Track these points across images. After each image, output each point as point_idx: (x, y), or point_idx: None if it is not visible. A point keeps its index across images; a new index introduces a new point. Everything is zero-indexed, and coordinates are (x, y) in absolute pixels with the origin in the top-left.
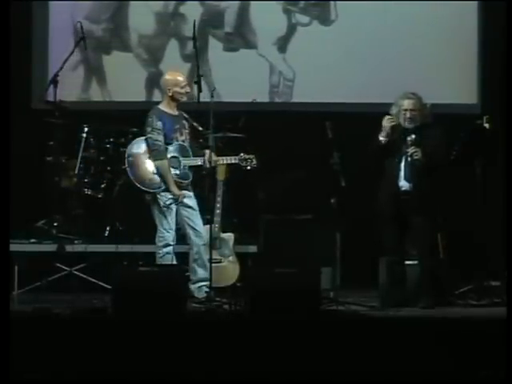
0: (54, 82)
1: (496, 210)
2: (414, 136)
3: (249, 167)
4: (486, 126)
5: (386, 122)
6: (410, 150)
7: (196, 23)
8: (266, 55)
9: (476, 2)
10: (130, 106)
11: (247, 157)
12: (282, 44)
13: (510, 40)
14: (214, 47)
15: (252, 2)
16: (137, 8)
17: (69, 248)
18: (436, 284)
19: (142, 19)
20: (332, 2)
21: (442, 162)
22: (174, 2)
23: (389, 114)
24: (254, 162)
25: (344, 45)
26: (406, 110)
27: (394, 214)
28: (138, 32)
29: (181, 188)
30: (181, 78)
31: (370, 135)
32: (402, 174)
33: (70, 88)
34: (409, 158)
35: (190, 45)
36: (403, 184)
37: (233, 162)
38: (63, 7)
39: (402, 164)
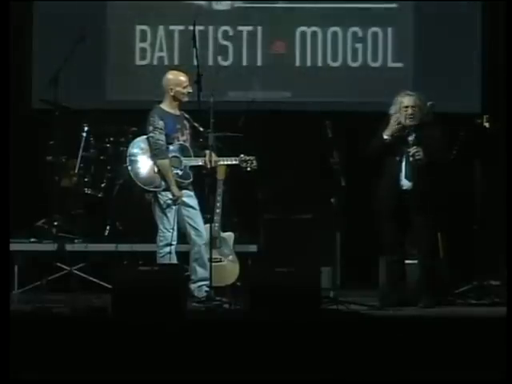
0: (54, 81)
1: (496, 209)
2: (414, 135)
3: (249, 168)
4: (486, 125)
5: (394, 121)
6: (412, 150)
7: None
8: None
9: (479, 2)
10: (130, 105)
11: (247, 158)
12: None
13: (510, 40)
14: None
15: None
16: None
17: (69, 247)
18: (436, 283)
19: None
20: None
21: (443, 161)
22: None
23: (388, 114)
24: (255, 163)
25: (346, 44)
26: (406, 106)
27: (395, 213)
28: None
29: (181, 188)
30: (183, 78)
31: (371, 134)
32: (403, 173)
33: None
34: (410, 158)
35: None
36: (404, 183)
37: (233, 163)
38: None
39: (403, 163)
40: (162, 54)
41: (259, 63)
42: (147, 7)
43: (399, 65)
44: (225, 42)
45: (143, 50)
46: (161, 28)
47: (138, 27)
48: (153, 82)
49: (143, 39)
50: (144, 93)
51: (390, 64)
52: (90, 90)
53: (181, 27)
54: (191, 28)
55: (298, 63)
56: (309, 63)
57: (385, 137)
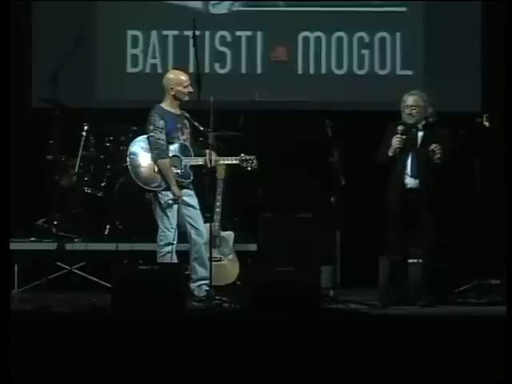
0: (54, 80)
1: (496, 208)
2: (423, 133)
3: (249, 168)
4: (486, 124)
5: (396, 143)
6: (432, 146)
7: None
8: None
9: (479, 2)
10: (130, 104)
11: (248, 158)
12: None
13: (510, 40)
14: None
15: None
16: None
17: (69, 246)
18: (436, 282)
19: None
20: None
21: (448, 159)
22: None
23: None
24: (255, 163)
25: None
26: (407, 106)
27: (400, 211)
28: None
29: (182, 187)
30: (184, 78)
31: (370, 133)
32: (408, 171)
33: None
34: (432, 154)
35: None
36: (409, 181)
37: (233, 162)
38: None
39: (409, 161)
40: (155, 61)
41: (259, 71)
42: (139, 10)
43: (408, 72)
44: (222, 48)
45: (135, 57)
46: (154, 33)
47: (130, 32)
48: (145, 90)
49: (135, 45)
50: (136, 97)
51: (399, 71)
52: (81, 90)
53: (175, 32)
54: (186, 33)
55: (300, 71)
56: (312, 71)
57: (390, 154)
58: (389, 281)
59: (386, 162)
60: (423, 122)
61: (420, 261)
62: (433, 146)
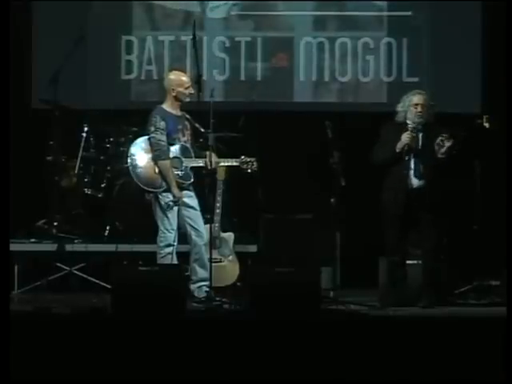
0: (54, 80)
1: (496, 209)
2: (422, 134)
3: (249, 170)
4: (486, 125)
5: (406, 139)
6: (440, 141)
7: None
8: None
9: (479, 2)
10: (130, 105)
11: (248, 160)
12: None
13: (510, 40)
14: None
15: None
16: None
17: (69, 247)
18: (436, 283)
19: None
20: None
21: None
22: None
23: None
24: (255, 165)
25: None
26: (416, 104)
27: (402, 212)
28: None
29: (182, 188)
30: (185, 79)
31: (373, 135)
32: (412, 171)
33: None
34: (437, 148)
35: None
36: (414, 182)
37: (234, 164)
38: None
39: (412, 162)
40: (151, 68)
41: (259, 77)
42: (134, 14)
43: (415, 79)
44: (221, 54)
45: (129, 63)
46: (149, 38)
47: (124, 37)
48: (143, 94)
49: (129, 51)
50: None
51: (405, 78)
52: (80, 91)
53: (171, 37)
54: (183, 38)
55: (302, 77)
56: (314, 77)
57: (397, 150)
58: (389, 282)
59: (389, 160)
60: (423, 123)
61: (420, 262)
62: (439, 139)
